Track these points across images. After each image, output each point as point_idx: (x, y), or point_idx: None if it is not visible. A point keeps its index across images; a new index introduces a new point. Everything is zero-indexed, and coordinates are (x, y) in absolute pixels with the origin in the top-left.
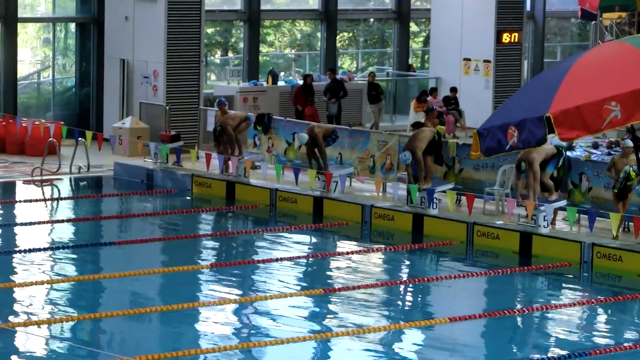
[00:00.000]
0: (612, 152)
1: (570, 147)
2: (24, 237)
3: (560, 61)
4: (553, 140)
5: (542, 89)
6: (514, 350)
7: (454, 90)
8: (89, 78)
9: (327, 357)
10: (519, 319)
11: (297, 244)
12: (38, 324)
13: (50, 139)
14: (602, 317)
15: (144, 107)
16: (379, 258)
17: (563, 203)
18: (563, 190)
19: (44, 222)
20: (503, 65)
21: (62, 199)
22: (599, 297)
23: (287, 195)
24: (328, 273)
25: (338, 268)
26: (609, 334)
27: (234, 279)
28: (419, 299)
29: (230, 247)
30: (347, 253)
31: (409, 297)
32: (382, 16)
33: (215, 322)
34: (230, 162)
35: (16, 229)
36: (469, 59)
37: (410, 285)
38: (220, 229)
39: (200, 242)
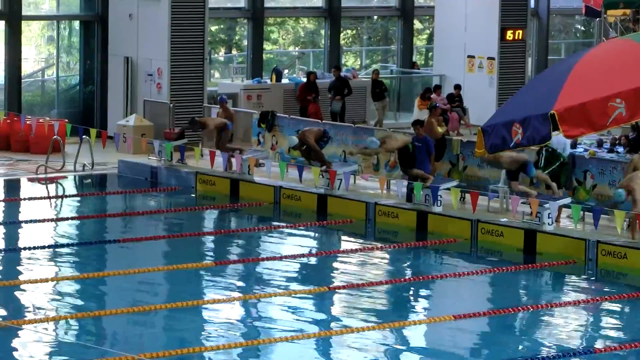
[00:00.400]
0: (616, 150)
1: (575, 145)
2: (28, 235)
3: (564, 58)
4: (552, 140)
5: (546, 86)
6: (519, 348)
7: (458, 87)
8: (93, 76)
9: (332, 355)
10: (523, 317)
11: (301, 241)
12: (42, 321)
13: (55, 136)
14: (607, 315)
15: (148, 104)
16: (383, 256)
17: (568, 200)
18: (567, 187)
19: (48, 220)
20: (507, 63)
21: (66, 196)
22: (603, 294)
23: (291, 192)
24: (332, 271)
25: (342, 265)
26: (614, 332)
27: (238, 277)
28: (423, 296)
29: (235, 245)
30: (351, 251)
31: (413, 295)
32: (385, 13)
33: (219, 320)
34: (233, 159)
35: (20, 227)
36: (473, 57)
37: (415, 282)
38: (224, 227)
39: (205, 239)
